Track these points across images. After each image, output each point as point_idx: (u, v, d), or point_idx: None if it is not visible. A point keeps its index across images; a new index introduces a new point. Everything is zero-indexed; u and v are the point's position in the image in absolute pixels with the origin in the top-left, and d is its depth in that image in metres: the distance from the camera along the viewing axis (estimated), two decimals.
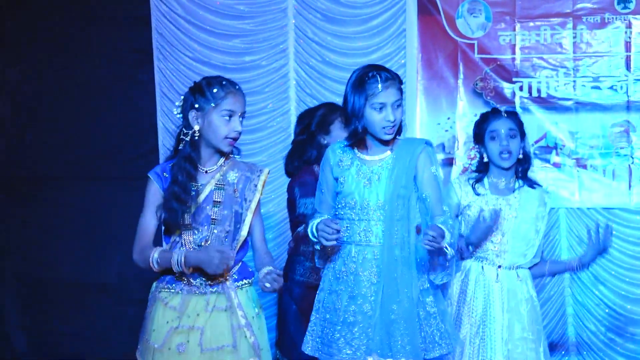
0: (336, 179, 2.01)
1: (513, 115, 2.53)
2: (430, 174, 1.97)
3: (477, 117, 2.61)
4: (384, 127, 1.92)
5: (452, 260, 1.95)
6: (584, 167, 3.33)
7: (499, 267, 2.41)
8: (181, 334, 1.99)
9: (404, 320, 1.92)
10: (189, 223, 1.98)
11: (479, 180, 2.44)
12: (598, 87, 3.33)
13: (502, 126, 2.43)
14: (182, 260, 1.90)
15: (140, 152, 3.55)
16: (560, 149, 3.34)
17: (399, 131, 2.00)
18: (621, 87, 3.31)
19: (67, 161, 3.62)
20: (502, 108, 2.57)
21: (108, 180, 3.57)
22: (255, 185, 2.03)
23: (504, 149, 2.40)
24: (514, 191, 2.44)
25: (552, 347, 3.31)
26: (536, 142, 3.33)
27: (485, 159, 2.46)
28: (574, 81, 3.33)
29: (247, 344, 2.02)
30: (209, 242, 2.01)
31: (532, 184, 2.46)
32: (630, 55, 3.31)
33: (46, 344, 3.45)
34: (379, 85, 1.90)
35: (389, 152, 1.98)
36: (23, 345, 3.43)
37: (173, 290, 2.03)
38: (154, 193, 2.00)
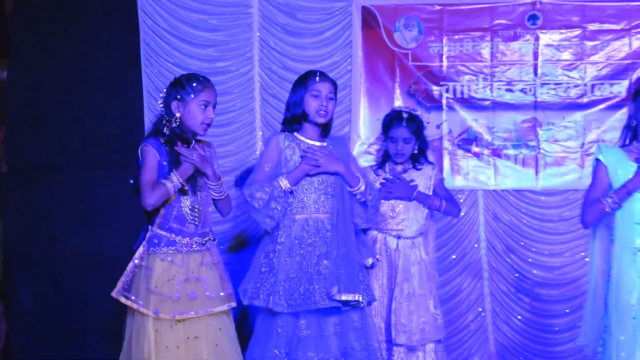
0: (284, 160, 2.55)
1: (413, 122, 2.99)
2: (353, 158, 2.67)
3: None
4: (318, 111, 2.52)
5: (370, 210, 2.60)
6: (499, 156, 3.93)
7: (399, 237, 2.94)
8: (191, 284, 2.39)
9: (354, 271, 2.52)
10: (187, 189, 2.39)
11: (380, 166, 3.05)
12: (511, 90, 3.94)
13: (399, 135, 2.95)
14: (177, 178, 2.31)
15: (131, 143, 4.15)
16: (479, 141, 3.93)
17: (328, 130, 2.63)
18: (530, 90, 3.93)
19: (66, 151, 4.13)
20: (404, 115, 2.98)
21: (103, 167, 4.16)
22: (216, 159, 2.53)
23: (398, 152, 2.97)
24: (406, 172, 2.99)
25: (471, 303, 3.96)
26: (459, 135, 3.96)
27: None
28: (491, 85, 3.93)
29: (228, 292, 2.47)
30: (200, 205, 2.42)
31: (417, 165, 2.99)
32: (537, 63, 3.92)
33: (49, 302, 4.08)
34: (317, 78, 2.55)
35: (325, 143, 2.63)
36: (29, 303, 4.05)
37: (173, 250, 2.39)
38: (153, 157, 2.33)
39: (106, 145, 4.08)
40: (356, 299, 2.49)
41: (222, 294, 2.44)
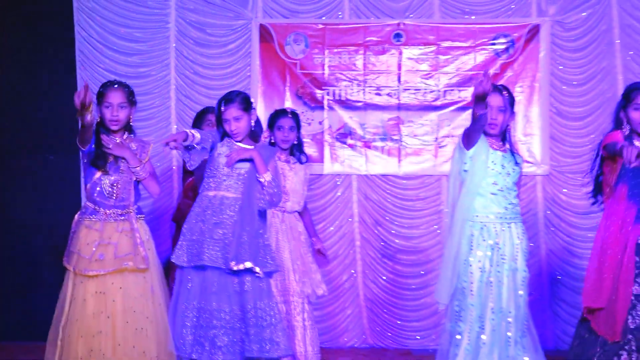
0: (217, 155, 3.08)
1: (295, 115, 3.71)
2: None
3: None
4: (231, 131, 3.02)
5: (272, 197, 3.06)
6: (369, 147, 4.81)
7: (284, 211, 3.66)
8: (102, 247, 3.00)
9: (255, 243, 3.01)
10: (108, 170, 3.03)
11: None
12: (379, 94, 4.84)
13: (286, 123, 3.63)
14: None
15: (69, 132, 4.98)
16: (353, 135, 4.80)
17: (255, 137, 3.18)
18: (394, 94, 4.82)
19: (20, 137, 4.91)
20: (288, 110, 3.83)
21: (47, 151, 4.89)
22: (147, 152, 3.14)
23: (285, 138, 3.63)
24: (289, 162, 3.73)
25: (345, 266, 4.83)
26: (337, 130, 4.84)
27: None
28: (363, 90, 4.80)
29: (140, 256, 3.01)
30: (119, 184, 3.04)
31: (299, 157, 3.75)
32: (400, 73, 4.82)
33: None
34: (222, 107, 3.04)
35: (253, 147, 3.13)
36: None
37: (95, 219, 3.03)
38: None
39: (50, 133, 4.90)
40: (252, 268, 2.96)
41: (132, 256, 3.01)
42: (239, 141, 3.09)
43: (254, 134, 3.16)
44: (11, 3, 4.86)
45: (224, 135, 3.09)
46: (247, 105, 3.06)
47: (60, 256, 3.12)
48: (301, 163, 3.78)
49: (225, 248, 2.98)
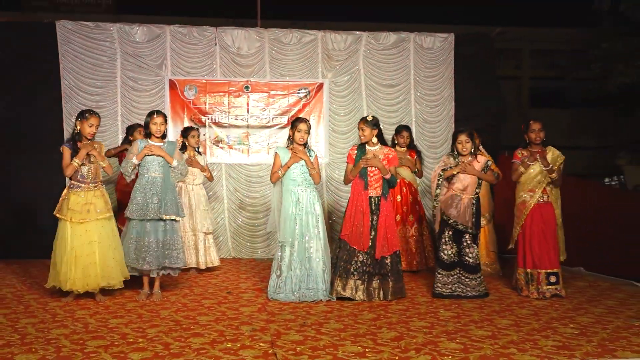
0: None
1: (197, 129, 7.92)
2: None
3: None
4: (155, 132, 6.88)
5: (177, 176, 7.03)
6: (232, 148, 8.86)
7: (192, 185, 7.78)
8: (88, 205, 5.42)
9: (175, 202, 6.91)
10: (84, 163, 5.54)
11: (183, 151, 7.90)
12: (236, 119, 8.91)
13: (194, 133, 7.67)
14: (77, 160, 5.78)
15: (54, 135, 8.60)
16: (223, 141, 8.78)
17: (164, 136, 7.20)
18: (245, 119, 8.89)
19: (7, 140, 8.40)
20: (194, 126, 7.96)
21: (39, 151, 8.52)
22: (100, 150, 6.23)
23: (196, 143, 7.83)
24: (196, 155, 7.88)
25: (218, 213, 8.90)
26: (214, 139, 8.79)
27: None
28: (228, 117, 8.82)
29: (108, 209, 5.61)
30: (91, 170, 5.56)
31: (199, 152, 7.87)
32: (248, 107, 8.91)
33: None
34: (154, 115, 6.25)
35: (164, 143, 7.06)
36: None
37: (80, 188, 5.44)
38: (68, 153, 5.41)
39: (43, 140, 8.49)
40: (174, 218, 5.78)
41: (104, 210, 5.56)
42: (158, 137, 5.85)
43: (164, 136, 6.56)
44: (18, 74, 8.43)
45: (148, 135, 6.31)
46: (165, 118, 5.90)
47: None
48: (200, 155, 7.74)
49: (155, 206, 5.78)
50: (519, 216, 6.01)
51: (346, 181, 5.94)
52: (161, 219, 5.68)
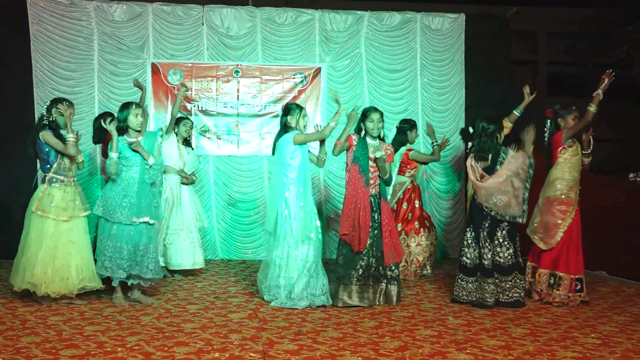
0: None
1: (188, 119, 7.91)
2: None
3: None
4: (135, 125, 6.87)
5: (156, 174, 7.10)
6: (220, 139, 8.79)
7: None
8: (72, 202, 5.75)
9: (150, 204, 7.04)
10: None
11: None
12: (225, 107, 8.85)
13: (187, 123, 7.76)
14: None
15: (25, 124, 8.54)
16: (210, 131, 8.78)
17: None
18: (235, 107, 8.85)
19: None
20: (185, 115, 7.93)
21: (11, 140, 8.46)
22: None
23: (187, 132, 7.80)
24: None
25: (206, 208, 8.85)
26: (200, 128, 8.71)
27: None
28: (216, 104, 8.78)
29: (86, 206, 6.04)
30: (72, 166, 6.38)
31: (190, 145, 7.85)
32: (238, 94, 8.84)
33: None
34: (133, 107, 6.56)
35: (141, 137, 7.14)
36: None
37: (63, 184, 5.74)
38: (52, 136, 6.61)
39: (9, 129, 8.42)
40: (149, 221, 6.48)
41: (83, 206, 6.02)
42: (138, 131, 6.65)
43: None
44: None
45: (121, 129, 6.49)
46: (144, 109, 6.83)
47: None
48: (192, 149, 7.72)
49: (129, 209, 6.46)
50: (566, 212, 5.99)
51: (336, 150, 6.13)
52: (132, 223, 5.78)
